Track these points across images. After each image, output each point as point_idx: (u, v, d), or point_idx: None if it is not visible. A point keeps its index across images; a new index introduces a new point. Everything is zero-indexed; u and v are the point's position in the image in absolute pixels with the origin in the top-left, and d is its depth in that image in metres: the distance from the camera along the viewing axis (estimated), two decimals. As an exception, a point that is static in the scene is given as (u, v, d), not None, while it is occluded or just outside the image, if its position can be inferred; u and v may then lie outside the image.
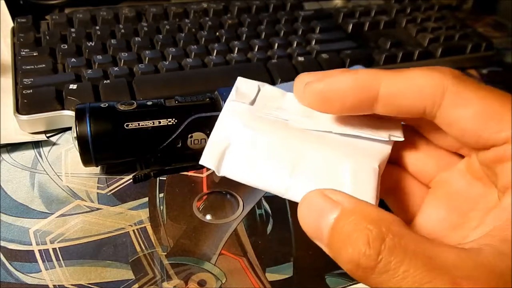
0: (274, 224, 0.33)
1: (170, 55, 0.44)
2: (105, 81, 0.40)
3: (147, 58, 0.44)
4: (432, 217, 0.23)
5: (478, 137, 0.19)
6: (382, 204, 0.27)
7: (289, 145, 0.22)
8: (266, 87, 0.25)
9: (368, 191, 0.21)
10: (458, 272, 0.16)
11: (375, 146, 0.22)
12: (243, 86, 0.25)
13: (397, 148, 0.24)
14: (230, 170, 0.22)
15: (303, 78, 0.22)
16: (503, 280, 0.16)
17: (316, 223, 0.19)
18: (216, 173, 0.22)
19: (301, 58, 0.46)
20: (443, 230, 0.22)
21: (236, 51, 0.46)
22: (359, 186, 0.21)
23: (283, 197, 0.21)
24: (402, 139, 0.22)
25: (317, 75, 0.22)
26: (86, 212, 0.32)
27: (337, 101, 0.21)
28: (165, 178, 0.35)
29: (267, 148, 0.22)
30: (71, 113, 0.37)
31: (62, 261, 0.29)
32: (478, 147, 0.20)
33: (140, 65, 0.42)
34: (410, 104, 0.20)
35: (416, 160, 0.24)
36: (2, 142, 0.37)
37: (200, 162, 0.22)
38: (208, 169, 0.36)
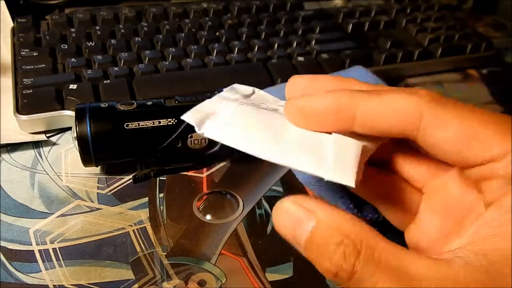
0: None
1: (170, 55, 0.44)
2: (105, 81, 0.40)
3: (147, 58, 0.44)
4: (427, 225, 0.23)
5: (461, 158, 0.19)
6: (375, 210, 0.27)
7: (274, 118, 0.22)
8: (261, 92, 0.26)
9: (348, 166, 0.20)
10: (424, 283, 0.17)
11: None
12: (238, 87, 0.26)
13: (390, 154, 0.24)
14: (212, 130, 0.22)
15: (294, 81, 0.23)
16: None
17: (292, 232, 0.19)
18: (197, 131, 0.22)
19: (301, 58, 0.46)
20: (439, 238, 0.22)
21: (236, 51, 0.46)
22: (340, 160, 0.20)
23: (266, 159, 0.21)
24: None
25: (303, 85, 0.23)
26: (86, 212, 0.32)
27: (315, 119, 0.21)
28: (165, 178, 0.35)
29: (252, 116, 0.22)
30: (71, 113, 0.37)
31: (62, 261, 0.29)
32: (463, 166, 0.20)
33: (140, 65, 0.42)
34: (387, 127, 0.20)
35: (409, 166, 0.24)
36: (2, 142, 0.37)
37: (182, 117, 0.22)
38: (208, 169, 0.36)
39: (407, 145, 0.23)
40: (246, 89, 0.26)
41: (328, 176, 0.20)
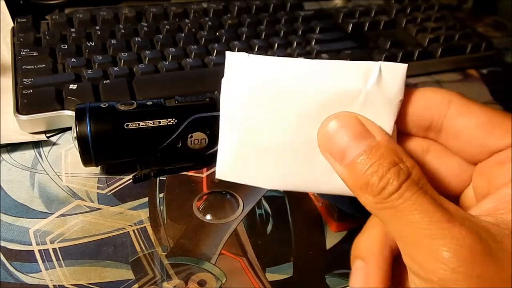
0: (274, 224, 0.33)
1: (170, 55, 0.44)
2: (105, 81, 0.40)
3: (147, 58, 0.44)
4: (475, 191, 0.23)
5: (483, 145, 0.20)
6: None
7: (298, 129, 0.21)
8: (256, 58, 0.22)
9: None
10: (458, 220, 0.18)
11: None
12: (246, 75, 0.22)
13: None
14: (245, 179, 0.22)
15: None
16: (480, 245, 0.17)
17: (344, 144, 0.20)
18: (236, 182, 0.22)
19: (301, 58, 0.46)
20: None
21: (236, 51, 0.46)
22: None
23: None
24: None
25: None
26: (86, 212, 0.32)
27: None
28: (165, 178, 0.35)
29: (270, 149, 0.22)
30: (71, 113, 0.37)
31: (62, 261, 0.29)
32: (482, 156, 0.20)
33: (140, 65, 0.42)
34: (417, 114, 0.21)
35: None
36: (2, 142, 0.37)
37: (216, 177, 0.22)
38: (208, 169, 0.36)
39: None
40: (255, 69, 0.22)
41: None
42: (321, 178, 0.22)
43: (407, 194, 0.18)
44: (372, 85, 0.21)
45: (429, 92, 0.21)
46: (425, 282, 0.18)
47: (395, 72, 0.21)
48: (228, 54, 0.22)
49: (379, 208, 0.19)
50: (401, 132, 0.22)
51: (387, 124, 0.21)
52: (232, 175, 0.22)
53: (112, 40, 0.45)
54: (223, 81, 0.22)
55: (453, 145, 0.21)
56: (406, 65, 0.21)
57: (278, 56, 0.46)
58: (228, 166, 0.22)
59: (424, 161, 0.23)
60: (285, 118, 0.21)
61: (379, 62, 0.21)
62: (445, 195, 0.21)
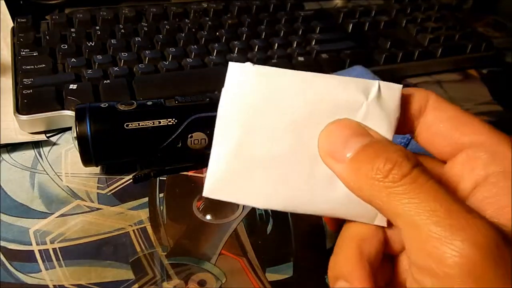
0: (274, 224, 0.33)
1: (170, 55, 0.44)
2: (105, 81, 0.40)
3: (147, 58, 0.44)
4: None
5: (449, 138, 0.21)
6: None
7: (296, 151, 0.21)
8: (260, 69, 0.22)
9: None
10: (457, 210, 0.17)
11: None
12: (247, 84, 0.22)
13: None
14: (240, 199, 0.21)
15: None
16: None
17: (344, 139, 0.20)
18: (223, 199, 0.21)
19: (301, 58, 0.46)
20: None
21: (236, 51, 0.46)
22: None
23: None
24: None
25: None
26: (86, 212, 0.32)
27: None
28: (165, 178, 0.35)
29: (264, 162, 0.21)
30: (71, 113, 0.37)
31: (62, 261, 0.29)
32: (448, 150, 0.21)
33: (140, 65, 0.42)
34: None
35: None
36: (2, 142, 0.37)
37: (204, 195, 0.21)
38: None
39: None
40: (257, 80, 0.22)
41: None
42: (320, 198, 0.21)
43: (421, 180, 0.17)
44: (372, 99, 0.21)
45: (411, 90, 0.22)
46: (441, 280, 0.16)
47: (392, 91, 0.21)
48: (230, 65, 0.22)
49: (390, 192, 0.18)
50: None
51: (386, 137, 0.21)
52: (223, 192, 0.21)
53: (112, 40, 0.45)
54: (223, 91, 0.21)
55: (424, 138, 0.22)
56: (401, 86, 0.21)
57: (278, 56, 0.46)
58: (219, 183, 0.21)
59: None
60: (284, 133, 0.21)
61: (377, 80, 0.21)
62: None
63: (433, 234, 0.16)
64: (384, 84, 0.21)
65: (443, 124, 0.21)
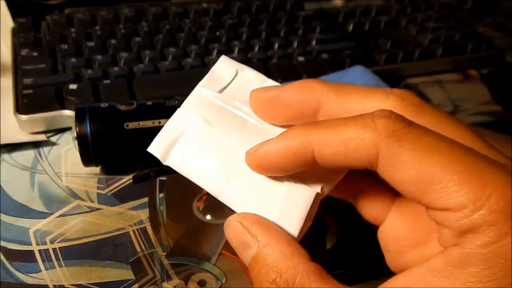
0: (274, 224, 0.33)
1: (170, 55, 0.44)
2: (105, 81, 0.40)
3: (147, 58, 0.44)
4: (396, 230, 0.23)
5: (418, 200, 0.18)
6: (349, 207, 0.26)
7: (236, 148, 0.22)
8: (245, 72, 0.24)
9: (293, 222, 0.20)
10: None
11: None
12: (221, 68, 0.25)
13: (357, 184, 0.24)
14: (175, 162, 0.22)
15: (256, 95, 0.23)
16: None
17: (239, 250, 0.20)
18: (162, 162, 0.22)
19: (301, 58, 0.46)
20: (405, 245, 0.22)
21: (236, 51, 0.46)
22: (287, 214, 0.20)
23: (217, 198, 0.22)
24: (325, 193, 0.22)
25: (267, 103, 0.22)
26: (86, 212, 0.32)
27: (273, 166, 0.21)
28: (165, 178, 0.35)
29: (214, 147, 0.22)
30: (71, 113, 0.37)
31: (62, 261, 0.29)
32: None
33: (140, 65, 0.42)
34: (346, 163, 0.19)
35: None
36: (2, 142, 0.37)
37: (148, 150, 0.22)
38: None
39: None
40: (230, 71, 0.24)
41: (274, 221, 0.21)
42: (238, 198, 0.22)
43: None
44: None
45: (355, 143, 0.19)
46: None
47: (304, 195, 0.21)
48: (217, 63, 0.24)
49: None
50: None
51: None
52: (169, 157, 0.22)
53: (112, 40, 0.45)
54: (198, 86, 0.24)
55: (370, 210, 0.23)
56: (314, 194, 0.21)
57: (278, 55, 0.46)
58: (168, 146, 0.22)
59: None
60: (230, 136, 0.22)
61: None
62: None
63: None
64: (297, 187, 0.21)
65: (406, 187, 0.17)
